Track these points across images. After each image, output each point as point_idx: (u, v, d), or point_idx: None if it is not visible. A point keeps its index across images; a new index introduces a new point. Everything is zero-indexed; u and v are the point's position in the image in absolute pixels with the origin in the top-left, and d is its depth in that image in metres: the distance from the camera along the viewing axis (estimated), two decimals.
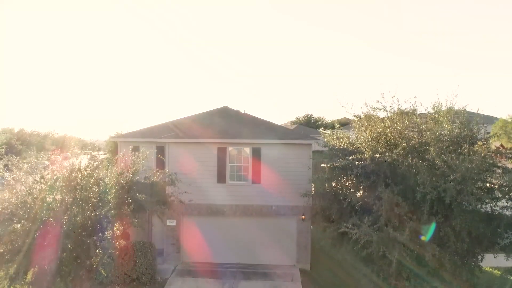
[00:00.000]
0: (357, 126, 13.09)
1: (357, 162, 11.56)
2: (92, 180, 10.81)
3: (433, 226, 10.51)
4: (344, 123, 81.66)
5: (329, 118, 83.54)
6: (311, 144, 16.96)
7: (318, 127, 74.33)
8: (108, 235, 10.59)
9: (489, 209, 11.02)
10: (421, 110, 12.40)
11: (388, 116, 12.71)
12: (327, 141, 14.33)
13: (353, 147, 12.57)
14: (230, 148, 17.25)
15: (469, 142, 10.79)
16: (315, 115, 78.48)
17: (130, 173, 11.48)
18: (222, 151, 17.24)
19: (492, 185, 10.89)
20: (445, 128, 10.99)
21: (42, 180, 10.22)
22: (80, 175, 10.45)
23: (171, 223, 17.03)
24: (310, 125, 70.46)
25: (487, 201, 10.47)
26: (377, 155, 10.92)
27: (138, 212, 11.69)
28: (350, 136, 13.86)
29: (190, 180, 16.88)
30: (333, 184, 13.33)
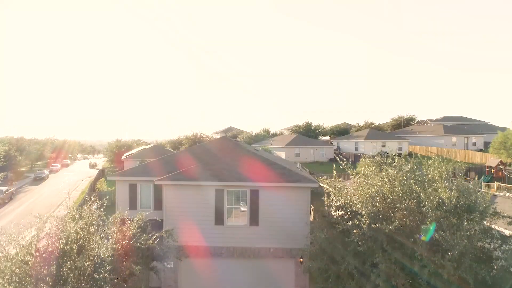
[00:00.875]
0: (356, 183, 13.00)
1: (354, 231, 11.50)
2: (88, 244, 10.74)
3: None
4: (343, 129, 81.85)
5: (328, 123, 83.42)
6: (309, 188, 16.86)
7: (317, 135, 74.24)
8: None
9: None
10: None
11: (386, 172, 12.61)
12: (326, 200, 14.24)
13: (351, 206, 12.48)
14: (227, 190, 17.16)
15: (467, 211, 10.71)
16: (315, 122, 78.21)
17: (126, 239, 11.42)
18: (219, 193, 17.17)
19: (490, 254, 10.81)
20: (444, 196, 10.87)
21: (37, 253, 10.12)
22: (76, 246, 10.35)
23: (169, 265, 16.96)
24: (309, 133, 70.18)
25: (485, 272, 10.39)
26: (374, 225, 10.84)
27: (134, 275, 11.64)
28: (347, 188, 13.71)
29: (188, 222, 16.92)
30: (331, 236, 13.26)
